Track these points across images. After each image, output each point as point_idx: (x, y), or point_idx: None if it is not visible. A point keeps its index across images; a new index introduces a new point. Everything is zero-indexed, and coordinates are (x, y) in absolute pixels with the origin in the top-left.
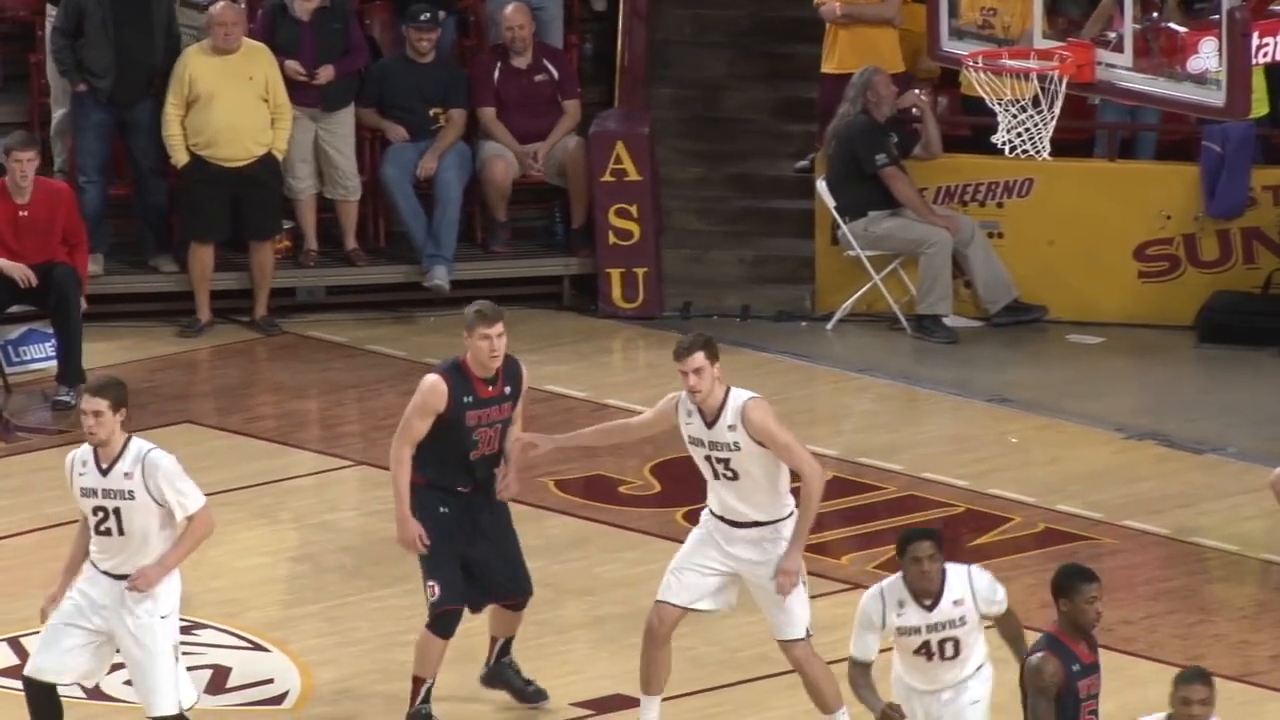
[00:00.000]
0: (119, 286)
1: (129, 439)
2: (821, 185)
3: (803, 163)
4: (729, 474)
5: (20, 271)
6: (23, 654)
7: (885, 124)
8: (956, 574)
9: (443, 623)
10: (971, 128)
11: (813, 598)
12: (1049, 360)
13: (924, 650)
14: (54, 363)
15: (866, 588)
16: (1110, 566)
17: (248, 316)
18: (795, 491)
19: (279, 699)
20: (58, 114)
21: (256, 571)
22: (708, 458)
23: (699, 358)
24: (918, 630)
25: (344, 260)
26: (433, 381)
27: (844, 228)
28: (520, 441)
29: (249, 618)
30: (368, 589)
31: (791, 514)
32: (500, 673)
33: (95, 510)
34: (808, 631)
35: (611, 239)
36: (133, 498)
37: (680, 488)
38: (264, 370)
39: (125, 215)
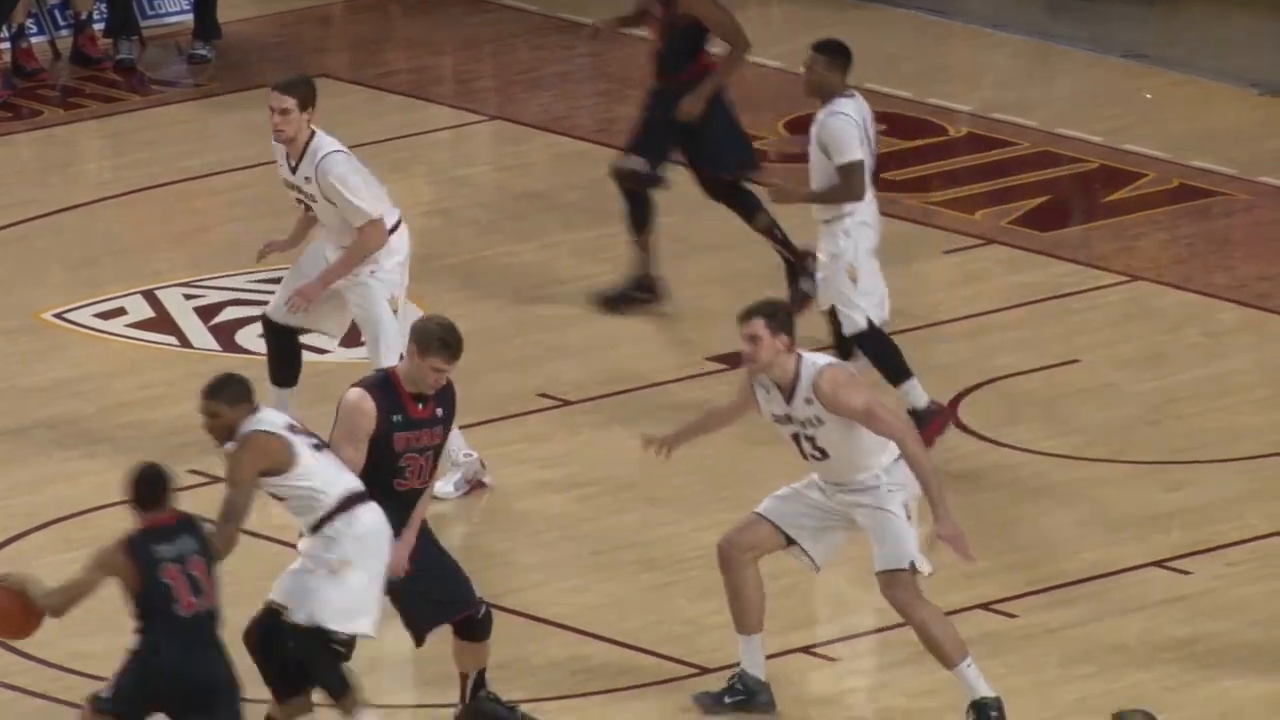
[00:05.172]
0: None
1: (313, 136)
2: None
3: None
4: (817, 453)
5: None
6: (159, 308)
7: None
8: None
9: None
10: None
11: (945, 252)
12: (1184, 16)
13: None
14: (189, 16)
15: (999, 243)
16: (1244, 222)
17: None
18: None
19: None
20: None
21: None
22: (796, 435)
23: (757, 325)
24: None
25: None
26: (356, 398)
27: None
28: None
29: None
30: (501, 243)
31: (893, 458)
32: (480, 709)
33: (297, 201)
34: (912, 564)
35: None
36: (314, 199)
37: None
38: (398, 25)
39: None
